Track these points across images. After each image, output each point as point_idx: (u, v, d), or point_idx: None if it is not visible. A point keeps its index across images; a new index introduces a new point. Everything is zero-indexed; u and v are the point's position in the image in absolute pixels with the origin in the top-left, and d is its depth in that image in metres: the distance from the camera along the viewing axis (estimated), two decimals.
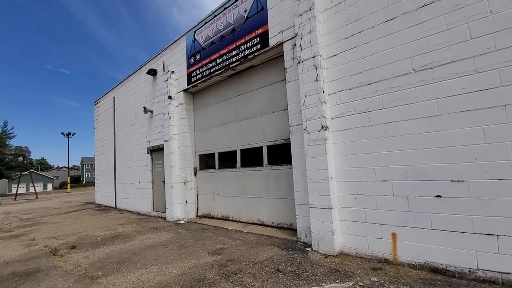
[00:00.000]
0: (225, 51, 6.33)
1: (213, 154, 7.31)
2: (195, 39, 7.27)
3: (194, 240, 5.28)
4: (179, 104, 7.77)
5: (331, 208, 4.07)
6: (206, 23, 6.92)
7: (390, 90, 3.72)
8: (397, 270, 3.39)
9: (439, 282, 3.03)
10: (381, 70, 3.82)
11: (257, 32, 5.60)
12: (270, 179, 5.81)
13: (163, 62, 8.40)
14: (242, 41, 5.90)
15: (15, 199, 22.21)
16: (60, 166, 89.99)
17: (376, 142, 3.84)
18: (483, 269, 3.00)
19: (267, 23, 5.41)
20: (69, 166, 39.80)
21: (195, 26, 7.27)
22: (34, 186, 24.18)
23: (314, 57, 4.36)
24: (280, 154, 5.62)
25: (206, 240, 5.26)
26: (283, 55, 5.20)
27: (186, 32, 7.59)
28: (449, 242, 3.21)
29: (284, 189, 5.48)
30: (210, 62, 6.73)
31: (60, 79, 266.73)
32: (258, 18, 5.61)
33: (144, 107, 8.87)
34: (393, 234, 3.63)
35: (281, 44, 5.14)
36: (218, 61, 6.50)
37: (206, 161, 7.70)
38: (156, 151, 8.78)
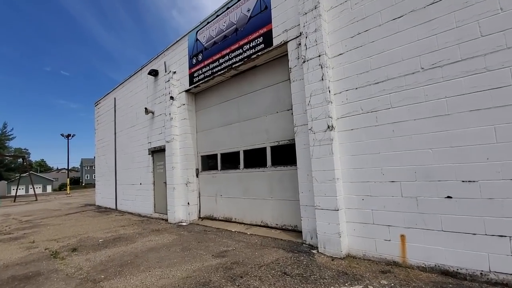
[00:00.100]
0: (228, 51, 6.27)
1: (216, 155, 7.23)
2: (197, 39, 7.21)
3: (197, 242, 5.20)
4: (181, 104, 7.70)
5: (337, 210, 3.99)
6: (208, 23, 6.87)
7: (398, 89, 3.66)
8: (407, 273, 3.31)
9: (450, 285, 2.95)
10: (389, 69, 3.76)
11: (261, 31, 5.54)
12: (274, 180, 5.73)
13: (164, 62, 8.34)
14: (245, 40, 5.84)
15: (14, 201, 22.10)
16: (59, 168, 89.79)
17: (383, 142, 3.77)
18: (495, 272, 2.92)
19: (271, 22, 5.36)
20: (69, 168, 39.67)
21: (197, 26, 7.22)
22: (34, 188, 24.10)
23: (319, 56, 4.30)
24: (284, 154, 5.55)
25: (209, 242, 5.17)
26: (287, 54, 5.14)
27: (188, 32, 7.54)
28: (460, 244, 3.13)
29: (289, 190, 5.41)
30: (212, 62, 6.67)
31: (60, 81, 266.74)
32: (261, 18, 5.56)
33: (146, 108, 8.79)
34: (402, 236, 3.56)
35: (286, 43, 5.08)
36: (221, 61, 6.44)
37: (208, 162, 7.62)
38: (158, 152, 8.70)
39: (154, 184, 8.87)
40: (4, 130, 41.01)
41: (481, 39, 3.12)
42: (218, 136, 7.14)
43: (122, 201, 10.78)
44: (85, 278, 3.72)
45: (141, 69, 9.78)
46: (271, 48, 5.34)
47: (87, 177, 72.41)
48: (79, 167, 79.94)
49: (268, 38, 5.39)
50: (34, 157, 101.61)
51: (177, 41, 7.98)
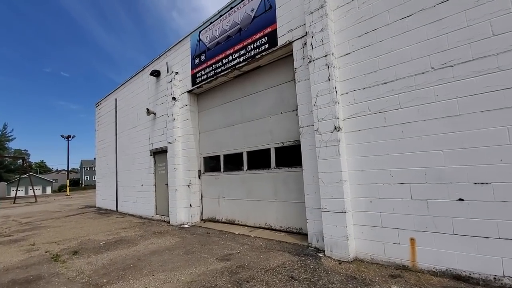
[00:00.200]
0: (231, 51, 6.20)
1: (218, 157, 7.16)
2: (200, 40, 7.15)
3: (200, 245, 5.12)
4: (183, 105, 7.63)
5: (345, 212, 3.91)
6: (211, 23, 6.81)
7: (407, 89, 3.59)
8: (418, 278, 3.23)
9: None
10: (398, 68, 3.69)
11: (265, 31, 5.48)
12: (278, 182, 5.65)
13: (166, 63, 8.27)
14: (249, 40, 5.78)
15: (14, 202, 21.97)
16: (59, 169, 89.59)
17: (392, 143, 3.69)
18: (509, 276, 2.85)
19: (276, 22, 5.29)
20: (69, 169, 39.55)
21: (200, 26, 7.16)
22: (33, 189, 23.97)
23: (326, 56, 4.24)
24: (289, 156, 5.47)
25: (213, 245, 5.09)
26: (292, 54, 5.07)
27: (191, 33, 7.48)
28: (473, 247, 3.06)
29: (293, 192, 5.33)
30: (215, 63, 6.60)
31: (60, 82, 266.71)
32: (266, 17, 5.50)
33: (147, 109, 8.72)
34: (412, 239, 3.48)
35: (291, 43, 5.02)
36: (224, 61, 6.37)
37: (211, 164, 7.54)
38: (159, 153, 8.62)
39: (155, 186, 8.79)
40: (4, 131, 40.96)
41: (493, 38, 3.05)
42: (221, 137, 7.07)
43: (123, 203, 10.69)
44: (87, 282, 3.63)
45: (142, 69, 9.71)
46: (275, 48, 5.28)
47: (87, 179, 72.25)
48: (79, 168, 79.80)
49: (272, 38, 5.33)
50: (33, 159, 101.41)
51: (179, 42, 7.92)
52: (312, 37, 4.43)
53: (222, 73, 6.45)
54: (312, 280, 3.28)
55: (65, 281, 3.72)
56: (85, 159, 75.39)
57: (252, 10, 5.78)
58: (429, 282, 3.12)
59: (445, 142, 3.28)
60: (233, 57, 6.15)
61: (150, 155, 8.99)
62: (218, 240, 5.43)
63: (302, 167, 4.78)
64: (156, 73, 8.71)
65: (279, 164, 5.70)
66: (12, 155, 39.53)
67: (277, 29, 5.26)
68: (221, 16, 6.57)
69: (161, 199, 8.45)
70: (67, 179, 34.50)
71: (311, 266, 3.73)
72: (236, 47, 6.09)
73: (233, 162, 6.84)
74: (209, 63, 6.80)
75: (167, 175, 7.93)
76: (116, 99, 11.53)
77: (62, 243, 5.90)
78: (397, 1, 3.75)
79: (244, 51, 5.90)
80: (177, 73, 7.79)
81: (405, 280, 3.18)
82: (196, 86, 7.23)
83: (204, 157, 7.62)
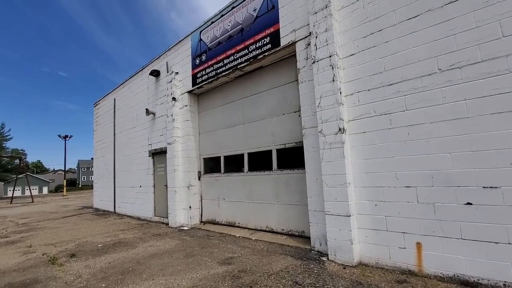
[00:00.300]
0: (233, 51, 6.13)
1: (219, 158, 7.07)
2: (200, 39, 7.07)
3: (200, 248, 5.02)
4: (183, 105, 7.54)
5: (349, 215, 3.84)
6: (212, 22, 6.73)
7: (413, 91, 3.53)
8: (424, 283, 3.16)
9: None
10: (404, 70, 3.63)
11: (268, 31, 5.41)
12: (279, 184, 5.57)
13: (166, 62, 8.18)
14: (251, 41, 5.70)
15: (11, 202, 21.75)
16: (56, 169, 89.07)
17: (398, 145, 3.63)
18: None
19: (278, 22, 5.23)
20: (66, 169, 39.27)
21: (201, 26, 7.08)
22: (30, 189, 23.77)
23: (330, 56, 4.17)
24: (291, 157, 5.40)
25: (214, 248, 5.00)
26: (295, 55, 5.01)
27: (191, 32, 7.40)
28: (481, 253, 2.99)
29: (295, 194, 5.25)
30: (216, 63, 6.53)
31: (58, 82, 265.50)
32: (268, 17, 5.43)
33: (147, 109, 8.62)
34: (418, 244, 3.41)
35: (294, 43, 4.95)
36: (226, 61, 6.30)
37: (211, 165, 7.45)
38: (159, 154, 8.52)
39: (154, 187, 8.68)
40: (2, 130, 40.65)
41: (503, 40, 3.00)
42: (222, 138, 6.98)
43: (120, 204, 10.57)
44: (85, 286, 3.53)
45: (142, 69, 9.62)
46: (278, 49, 5.21)
47: (84, 179, 71.85)
48: (76, 168, 79.28)
49: (275, 38, 5.26)
50: (30, 158, 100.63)
51: (179, 41, 7.84)
52: (316, 37, 4.37)
53: (223, 73, 6.37)
54: (317, 285, 3.20)
55: (63, 285, 3.62)
56: (82, 159, 75.03)
57: (255, 10, 5.71)
58: (436, 287, 3.05)
59: (453, 145, 3.22)
60: (235, 57, 6.08)
61: (149, 156, 8.88)
62: (219, 243, 5.34)
63: (304, 169, 4.71)
64: (155, 73, 8.62)
65: (281, 166, 5.63)
66: (9, 154, 39.22)
67: (280, 29, 5.19)
68: (222, 16, 6.50)
69: (160, 200, 8.34)
70: (64, 179, 34.26)
71: (315, 271, 3.65)
72: (238, 47, 6.01)
73: (233, 163, 6.75)
74: (210, 63, 6.73)
75: (166, 176, 7.84)
76: (114, 99, 11.42)
77: (59, 245, 5.79)
78: (404, 1, 3.69)
79: (246, 51, 5.82)
80: (177, 73, 7.71)
81: (412, 286, 3.11)
82: (196, 86, 7.15)
83: (204, 158, 7.53)
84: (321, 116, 4.23)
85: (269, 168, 5.79)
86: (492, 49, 3.05)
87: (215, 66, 6.57)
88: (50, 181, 63.77)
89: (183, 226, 7.13)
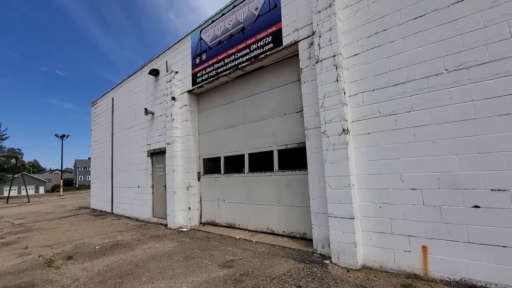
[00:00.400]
0: (234, 50, 6.05)
1: (219, 158, 6.98)
2: (201, 38, 6.98)
3: (200, 250, 4.93)
4: (183, 105, 7.45)
5: (353, 218, 3.77)
6: (213, 21, 6.65)
7: (419, 92, 3.47)
8: None
9: None
10: (409, 70, 3.57)
11: (269, 30, 5.34)
12: (281, 185, 5.50)
13: (166, 62, 8.08)
14: (253, 40, 5.63)
15: (7, 202, 21.51)
16: (52, 169, 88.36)
17: (403, 147, 3.57)
18: None
19: (281, 21, 5.15)
20: (62, 169, 38.95)
21: (201, 25, 7.00)
22: (26, 189, 23.54)
23: (334, 56, 4.10)
24: (293, 158, 5.33)
25: (214, 250, 4.91)
26: (297, 54, 4.94)
27: (191, 31, 7.31)
28: (489, 257, 2.93)
29: (297, 196, 5.17)
30: (217, 62, 6.44)
31: (55, 81, 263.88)
32: (270, 16, 5.36)
33: (145, 109, 8.52)
34: (424, 247, 3.35)
35: (296, 42, 4.88)
36: (226, 61, 6.22)
37: (210, 166, 7.36)
38: (157, 154, 8.42)
39: (153, 188, 8.57)
40: None
41: (511, 40, 2.94)
42: (222, 139, 6.90)
43: (118, 205, 10.44)
44: None
45: (141, 68, 9.51)
46: (280, 48, 5.13)
47: (81, 179, 71.34)
48: (73, 168, 78.75)
49: (277, 37, 5.19)
50: (27, 158, 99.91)
51: (179, 40, 7.75)
52: (320, 36, 4.30)
53: (224, 73, 6.29)
54: None
55: None
56: (79, 158, 74.52)
57: (256, 9, 5.64)
58: None
59: (460, 147, 3.16)
60: (236, 57, 6.00)
61: (148, 156, 8.78)
62: (219, 245, 5.25)
63: (306, 170, 4.63)
64: (155, 72, 8.52)
65: (282, 167, 5.55)
66: (5, 154, 38.84)
67: (282, 28, 5.12)
68: (223, 14, 6.42)
69: (159, 201, 8.24)
70: (61, 179, 33.93)
71: (318, 274, 3.58)
72: (239, 47, 5.94)
73: (234, 164, 6.67)
74: (210, 62, 6.64)
75: (165, 176, 7.74)
76: (113, 98, 11.30)
77: (55, 247, 5.68)
78: (409, 1, 3.63)
79: (247, 50, 5.75)
80: (176, 72, 7.62)
81: None
82: (196, 86, 7.06)
83: (203, 159, 7.44)
84: (325, 116, 4.16)
85: (270, 169, 5.72)
86: (500, 49, 3.00)
87: (216, 66, 6.49)
88: (47, 181, 63.27)
89: (182, 228, 7.03)
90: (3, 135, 40.31)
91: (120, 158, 10.49)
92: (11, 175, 29.14)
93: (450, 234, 3.18)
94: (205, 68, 6.78)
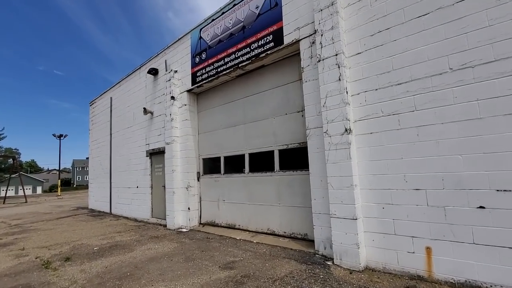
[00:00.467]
0: (234, 49, 5.99)
1: (219, 158, 6.92)
2: (200, 37, 6.92)
3: (200, 251, 4.87)
4: (182, 105, 7.39)
5: (356, 219, 3.73)
6: (213, 20, 6.60)
7: (423, 91, 3.43)
8: None
9: None
10: (413, 69, 3.53)
11: (270, 29, 5.29)
12: (282, 185, 5.45)
13: (165, 61, 8.01)
14: (254, 39, 5.58)
15: (4, 202, 21.33)
16: (50, 169, 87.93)
17: (407, 146, 3.53)
18: None
19: (282, 20, 5.11)
20: (60, 169, 38.72)
21: (201, 24, 6.94)
22: (24, 189, 23.35)
23: (336, 55, 4.06)
24: (294, 158, 5.28)
25: (214, 251, 4.85)
26: (299, 53, 4.89)
27: (191, 30, 7.25)
28: (495, 258, 2.89)
29: (298, 196, 5.13)
30: (217, 61, 6.39)
31: (53, 81, 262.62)
32: (271, 15, 5.31)
33: (144, 108, 8.45)
34: (428, 248, 3.31)
35: (298, 41, 4.83)
36: (226, 60, 6.16)
37: (210, 166, 7.30)
38: (156, 154, 8.35)
39: (151, 188, 8.50)
40: None
41: None
42: (222, 139, 6.84)
43: (117, 205, 10.36)
44: None
45: (139, 67, 9.44)
46: (281, 47, 5.08)
47: (79, 179, 71.00)
48: (71, 168, 78.36)
49: (278, 36, 5.14)
50: (24, 158, 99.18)
51: (179, 39, 7.68)
52: (322, 35, 4.26)
53: (224, 72, 6.23)
54: None
55: None
56: (77, 158, 74.16)
57: (257, 8, 5.59)
58: None
59: (465, 147, 3.12)
60: (236, 56, 5.95)
61: (147, 156, 8.70)
62: (219, 246, 5.19)
63: (308, 170, 4.59)
64: (154, 71, 8.45)
65: (283, 167, 5.50)
66: (2, 154, 38.60)
67: (283, 27, 5.07)
68: (223, 13, 6.36)
69: (158, 201, 8.17)
70: (59, 179, 33.67)
71: (321, 276, 3.53)
72: (239, 46, 5.88)
73: (234, 164, 6.62)
74: (210, 61, 6.58)
75: (164, 176, 7.67)
76: (111, 98, 11.21)
77: (53, 248, 5.60)
78: None
79: (248, 49, 5.70)
80: (176, 71, 7.55)
81: None
82: (196, 85, 7.00)
83: (203, 159, 7.38)
84: (327, 116, 4.11)
85: (271, 169, 5.67)
86: (505, 48, 2.96)
87: (216, 65, 6.43)
88: (44, 181, 62.94)
89: (181, 228, 6.96)
90: (0, 134, 40.08)
91: (119, 158, 10.40)
92: (8, 175, 28.89)
93: (454, 235, 3.14)
94: (205, 67, 6.72)
